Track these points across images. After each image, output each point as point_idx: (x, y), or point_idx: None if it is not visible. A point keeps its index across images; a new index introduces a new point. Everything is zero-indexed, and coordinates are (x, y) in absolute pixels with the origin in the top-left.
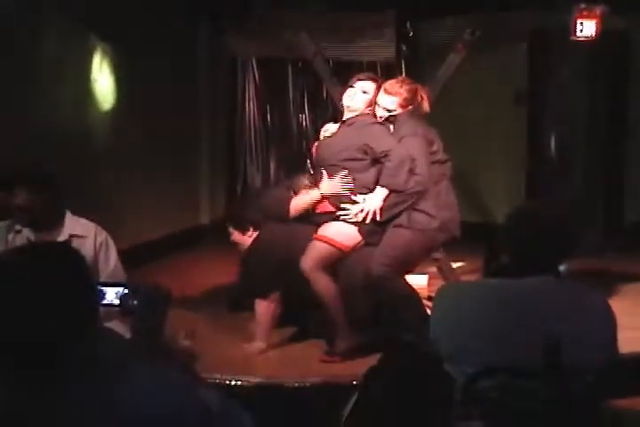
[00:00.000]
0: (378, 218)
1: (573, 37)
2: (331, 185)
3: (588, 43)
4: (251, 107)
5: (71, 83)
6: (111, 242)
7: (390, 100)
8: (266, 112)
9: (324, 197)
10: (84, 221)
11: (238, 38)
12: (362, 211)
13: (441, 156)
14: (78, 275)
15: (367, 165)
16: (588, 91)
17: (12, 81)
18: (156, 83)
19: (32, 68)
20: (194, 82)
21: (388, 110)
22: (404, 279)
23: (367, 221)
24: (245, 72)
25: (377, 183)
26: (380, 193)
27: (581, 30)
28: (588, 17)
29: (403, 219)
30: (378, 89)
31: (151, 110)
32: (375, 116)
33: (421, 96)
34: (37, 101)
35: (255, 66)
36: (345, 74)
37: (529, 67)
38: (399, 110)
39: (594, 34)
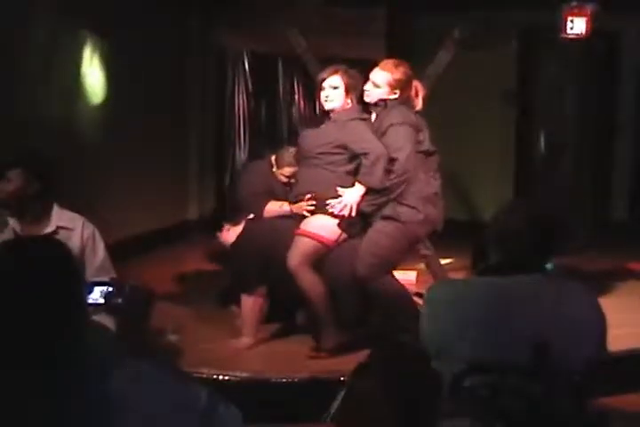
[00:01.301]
0: (353, 213)
1: (564, 35)
2: (298, 206)
3: (578, 42)
4: (240, 102)
5: (59, 78)
6: (98, 236)
7: (381, 75)
8: (255, 107)
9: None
10: (71, 214)
11: (228, 33)
12: (340, 204)
13: (428, 146)
14: (67, 270)
15: (345, 159)
16: (577, 90)
17: (4, 72)
18: (145, 77)
19: (20, 64)
20: (183, 76)
21: (376, 86)
22: (393, 276)
23: (345, 214)
24: (235, 67)
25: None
26: (358, 189)
27: (571, 28)
28: (578, 14)
29: (389, 210)
30: (348, 79)
31: (139, 105)
32: (362, 104)
33: (416, 91)
34: (26, 97)
35: (245, 61)
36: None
37: (518, 65)
38: (386, 90)
39: (584, 31)
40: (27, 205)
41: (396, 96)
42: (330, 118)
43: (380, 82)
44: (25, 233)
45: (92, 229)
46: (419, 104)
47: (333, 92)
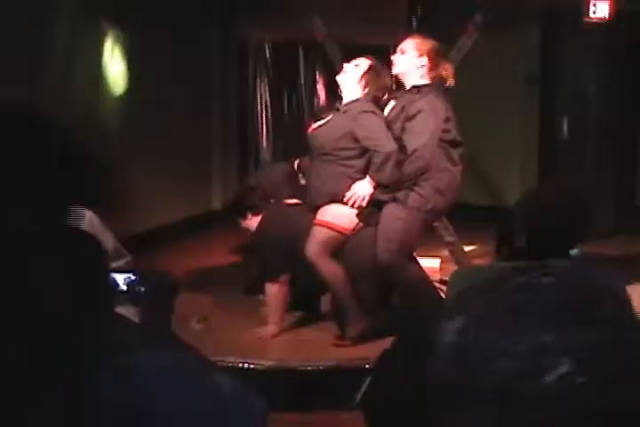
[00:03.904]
0: (364, 205)
1: (587, 18)
2: None
3: (602, 25)
4: (262, 91)
5: (83, 66)
6: (98, 223)
7: (409, 42)
8: (277, 96)
9: None
10: None
11: (250, 22)
12: (353, 197)
13: (453, 136)
14: (92, 258)
15: (358, 152)
16: (601, 73)
17: (25, 68)
18: (168, 68)
19: (44, 55)
20: (205, 67)
21: (403, 52)
22: (417, 263)
23: (355, 206)
24: (257, 56)
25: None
26: (368, 183)
27: (594, 11)
28: None
29: (400, 194)
30: (371, 68)
31: (162, 96)
32: (375, 99)
33: (445, 69)
34: (50, 86)
35: (267, 49)
36: (356, 57)
37: (541, 49)
38: (414, 54)
39: (607, 15)
40: None
41: (424, 63)
42: (338, 110)
43: (407, 48)
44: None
45: (87, 220)
46: (450, 82)
47: (352, 69)
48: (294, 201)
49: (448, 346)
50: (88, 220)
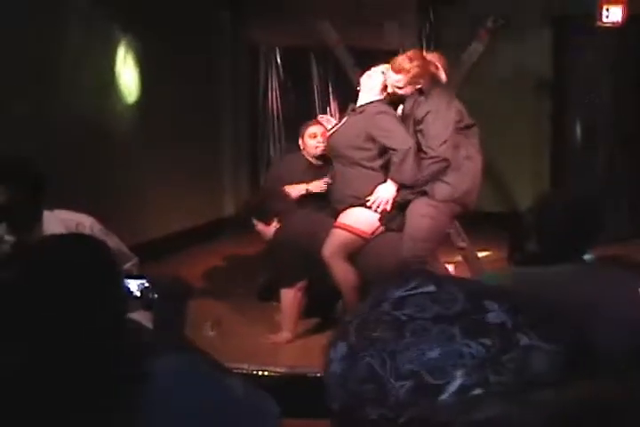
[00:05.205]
0: (388, 208)
1: (599, 23)
2: (318, 185)
3: (614, 29)
4: (273, 97)
5: (94, 72)
6: (99, 229)
7: (397, 78)
8: (288, 102)
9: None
10: (64, 215)
11: (260, 26)
12: (377, 200)
13: (466, 122)
14: (105, 265)
15: (375, 154)
16: (613, 78)
17: (36, 70)
18: (178, 73)
19: (54, 58)
20: (215, 72)
21: (398, 88)
22: (443, 265)
23: (379, 210)
24: (267, 61)
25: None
26: (391, 185)
27: (607, 16)
28: (614, 2)
29: (427, 187)
30: None
31: (173, 102)
32: (390, 97)
33: (435, 66)
34: (60, 92)
35: (277, 54)
36: (367, 62)
37: (553, 54)
38: (408, 88)
39: (620, 20)
40: (16, 216)
41: (428, 83)
42: (354, 111)
43: (400, 84)
44: (20, 243)
45: (88, 227)
46: (442, 77)
47: (379, 75)
48: (318, 186)
49: (334, 376)
50: (89, 226)
